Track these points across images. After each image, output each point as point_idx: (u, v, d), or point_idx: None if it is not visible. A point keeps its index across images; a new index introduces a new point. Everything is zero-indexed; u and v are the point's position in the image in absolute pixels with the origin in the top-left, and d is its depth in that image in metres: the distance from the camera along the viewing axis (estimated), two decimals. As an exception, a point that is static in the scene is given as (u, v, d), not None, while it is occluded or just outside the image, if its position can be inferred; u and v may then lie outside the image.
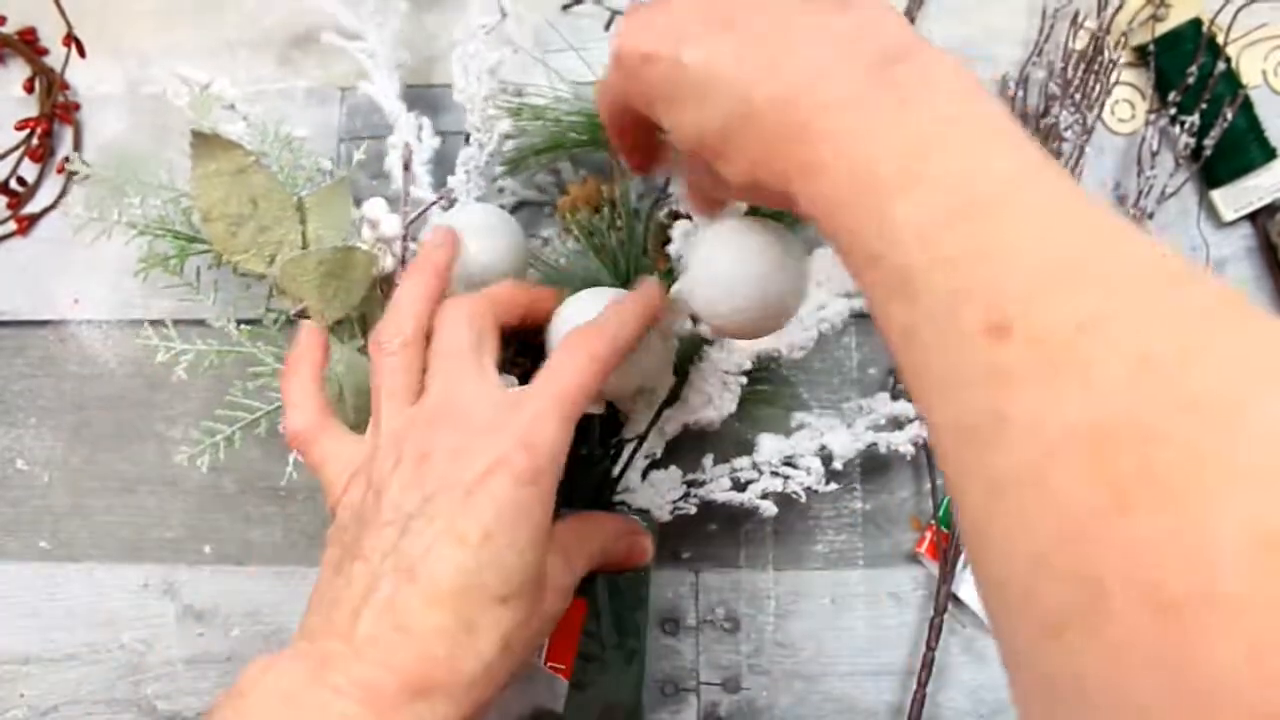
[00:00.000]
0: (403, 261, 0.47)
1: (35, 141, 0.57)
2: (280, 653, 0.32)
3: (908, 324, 0.23)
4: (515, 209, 0.55)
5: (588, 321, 0.36)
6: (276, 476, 0.54)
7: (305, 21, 0.58)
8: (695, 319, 0.42)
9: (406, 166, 0.47)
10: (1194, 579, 0.16)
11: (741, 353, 0.47)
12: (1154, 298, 0.20)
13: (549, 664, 0.43)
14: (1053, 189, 0.23)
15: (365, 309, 0.49)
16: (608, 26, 0.57)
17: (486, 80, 0.51)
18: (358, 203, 0.49)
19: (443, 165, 0.52)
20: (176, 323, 0.49)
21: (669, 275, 0.48)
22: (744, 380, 0.48)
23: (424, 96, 0.56)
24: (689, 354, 0.48)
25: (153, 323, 0.49)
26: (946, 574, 0.51)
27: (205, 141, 0.45)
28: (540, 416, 0.33)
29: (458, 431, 0.33)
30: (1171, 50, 0.54)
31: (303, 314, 0.47)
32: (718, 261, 0.36)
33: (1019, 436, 0.20)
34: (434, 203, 0.48)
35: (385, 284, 0.48)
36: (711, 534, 0.53)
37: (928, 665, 0.50)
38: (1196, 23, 0.54)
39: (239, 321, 0.49)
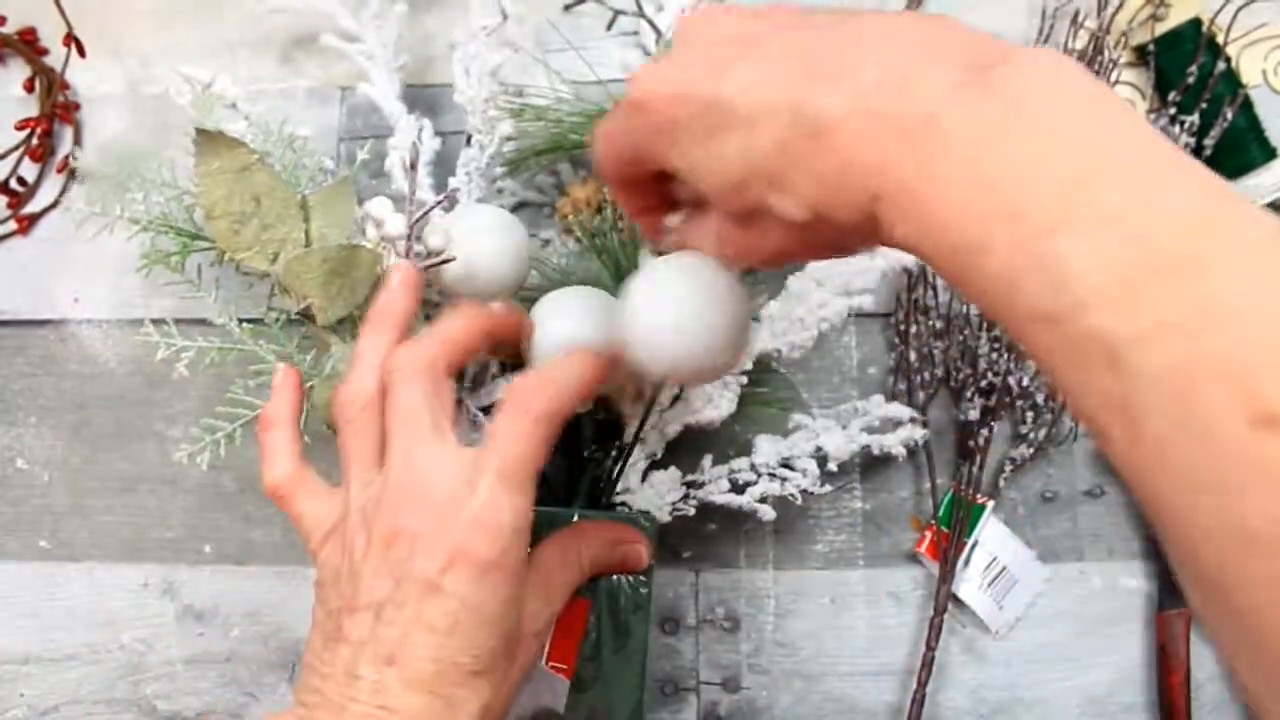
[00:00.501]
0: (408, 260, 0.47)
1: (35, 141, 0.57)
2: (282, 713, 0.33)
3: (1122, 403, 0.20)
4: (515, 210, 0.55)
5: (530, 374, 0.36)
6: (276, 476, 0.54)
7: (306, 21, 0.58)
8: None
9: (413, 166, 0.47)
10: None
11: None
12: None
13: (550, 664, 0.43)
14: (1256, 226, 0.19)
15: (365, 308, 0.49)
16: (610, 26, 0.57)
17: (488, 82, 0.51)
18: (361, 202, 0.49)
19: (443, 166, 0.52)
20: (177, 321, 0.49)
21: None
22: (744, 380, 0.48)
23: (423, 96, 0.56)
24: None
25: (154, 321, 0.49)
26: (946, 574, 0.51)
27: (209, 139, 0.45)
28: (491, 501, 0.33)
29: (418, 512, 0.33)
30: (1171, 50, 0.54)
31: (306, 312, 0.47)
32: (657, 307, 0.34)
33: None
34: (437, 203, 0.48)
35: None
36: (711, 534, 0.53)
37: (928, 665, 0.50)
38: (1196, 22, 0.54)
39: (240, 320, 0.49)
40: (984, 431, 0.52)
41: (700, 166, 0.27)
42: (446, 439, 0.35)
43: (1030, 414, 0.52)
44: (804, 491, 0.48)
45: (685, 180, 0.29)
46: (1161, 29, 0.54)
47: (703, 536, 0.53)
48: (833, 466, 0.48)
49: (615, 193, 0.34)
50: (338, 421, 0.37)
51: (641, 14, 0.55)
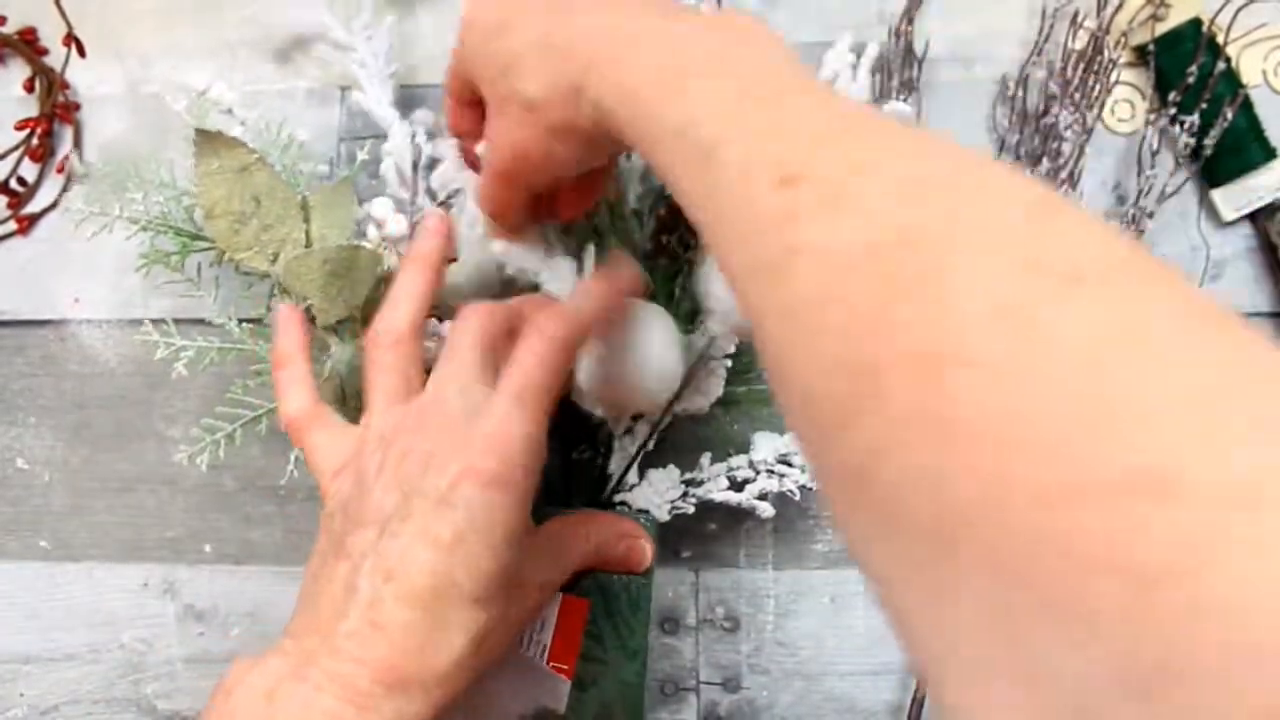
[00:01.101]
0: None
1: (35, 141, 0.57)
2: (265, 652, 0.33)
3: (707, 189, 0.27)
4: None
5: (548, 305, 0.38)
6: (276, 475, 0.54)
7: (305, 22, 0.58)
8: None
9: (415, 166, 0.47)
10: (948, 344, 0.19)
11: (726, 338, 0.47)
12: (913, 145, 0.24)
13: (551, 664, 0.43)
14: (824, 88, 0.30)
15: (369, 309, 0.49)
16: None
17: None
18: (361, 203, 0.49)
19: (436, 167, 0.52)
20: (177, 321, 0.49)
21: (671, 275, 0.48)
22: (728, 364, 0.48)
23: (423, 97, 0.56)
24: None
25: (153, 321, 0.49)
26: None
27: (209, 139, 0.45)
28: (505, 419, 0.34)
29: (437, 435, 0.34)
30: (1171, 50, 0.54)
31: (306, 312, 0.47)
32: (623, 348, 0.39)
33: (807, 264, 0.22)
34: (440, 204, 0.48)
35: (389, 284, 0.48)
36: (711, 533, 0.53)
37: (928, 665, 0.50)
38: (1196, 23, 0.54)
39: (240, 321, 0.49)
40: None
41: (478, 63, 0.36)
42: (484, 382, 0.36)
43: None
44: (802, 488, 0.48)
45: (475, 79, 0.37)
46: (1161, 29, 0.54)
47: (703, 536, 0.53)
48: None
49: (447, 108, 0.40)
50: (368, 355, 0.38)
51: None
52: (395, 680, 0.31)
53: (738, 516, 0.49)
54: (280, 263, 0.46)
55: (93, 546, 0.55)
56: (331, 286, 0.46)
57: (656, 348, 0.41)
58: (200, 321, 0.50)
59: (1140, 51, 0.55)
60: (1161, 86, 0.54)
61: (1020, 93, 0.55)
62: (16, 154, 0.57)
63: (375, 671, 0.31)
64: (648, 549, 0.43)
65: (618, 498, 0.48)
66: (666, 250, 0.48)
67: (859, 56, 0.56)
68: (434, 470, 0.33)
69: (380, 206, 0.47)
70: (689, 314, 0.48)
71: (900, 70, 0.55)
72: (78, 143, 0.58)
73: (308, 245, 0.47)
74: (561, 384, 0.36)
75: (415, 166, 0.49)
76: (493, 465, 0.33)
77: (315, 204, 0.48)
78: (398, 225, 0.47)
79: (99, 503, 0.56)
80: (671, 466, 0.48)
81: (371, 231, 0.48)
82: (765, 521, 0.51)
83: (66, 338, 0.57)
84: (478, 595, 0.33)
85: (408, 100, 0.53)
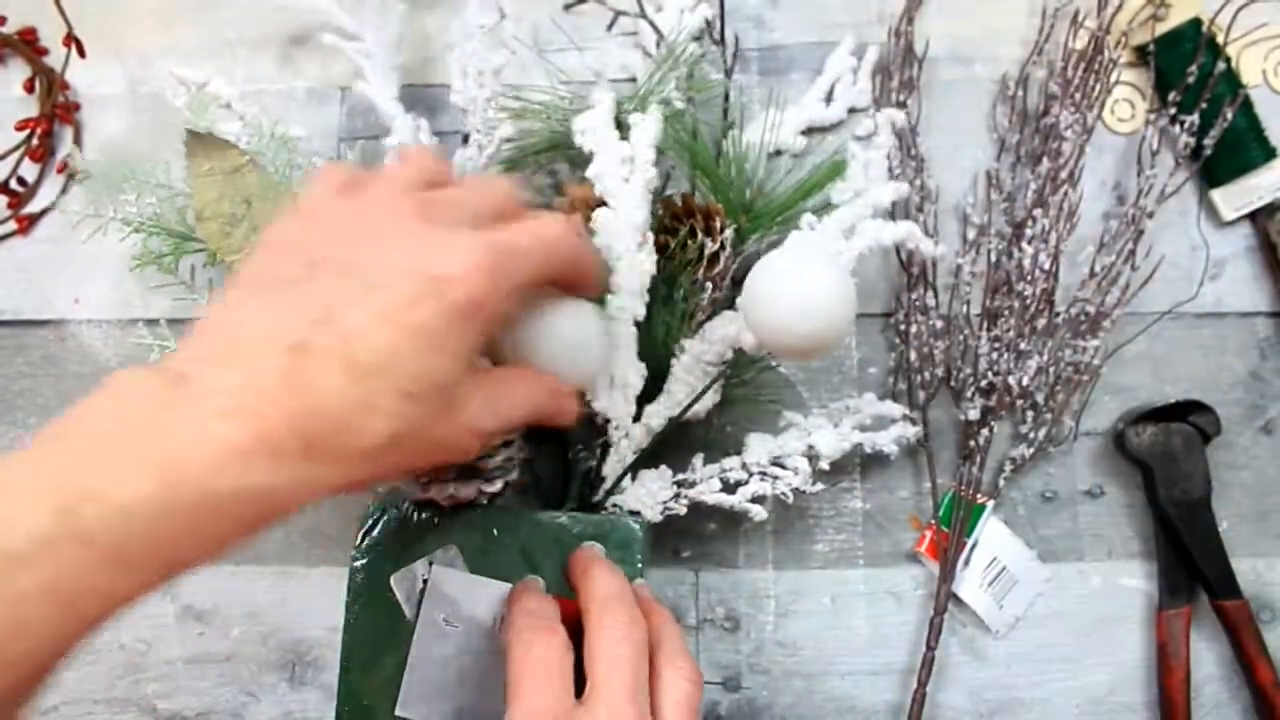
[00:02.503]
0: None
1: (35, 141, 0.57)
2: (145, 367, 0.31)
3: None
4: None
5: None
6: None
7: (305, 21, 0.58)
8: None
9: None
10: None
11: (722, 343, 0.47)
12: None
13: None
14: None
15: None
16: (610, 26, 0.57)
17: (490, 82, 0.51)
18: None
19: None
20: (176, 322, 0.49)
21: (674, 276, 0.48)
22: (726, 370, 0.48)
23: (422, 96, 0.56)
24: (669, 349, 0.48)
25: (148, 322, 0.49)
26: (946, 573, 0.51)
27: (200, 141, 0.45)
28: (510, 247, 0.34)
29: (441, 234, 0.34)
30: (1171, 50, 0.54)
31: None
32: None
33: None
34: None
35: None
36: (711, 533, 0.53)
37: (928, 665, 0.50)
38: (1196, 22, 0.54)
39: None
40: (984, 431, 0.52)
41: None
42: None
43: (1030, 414, 0.52)
44: (795, 490, 0.48)
45: None
46: (1161, 29, 0.54)
47: (702, 536, 0.53)
48: (824, 465, 0.48)
49: None
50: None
51: (642, 14, 0.55)
52: (314, 440, 0.30)
53: (738, 516, 0.49)
54: None
55: (93, 546, 0.55)
56: None
57: (569, 335, 0.41)
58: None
59: (1140, 51, 0.55)
60: (1161, 86, 0.54)
61: (1020, 92, 0.55)
62: (16, 154, 0.57)
63: (294, 422, 0.29)
64: (573, 405, 0.41)
65: (610, 499, 0.48)
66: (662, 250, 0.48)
67: (859, 60, 0.56)
68: (437, 258, 0.32)
69: None
70: (683, 314, 0.48)
71: (900, 70, 0.55)
72: (77, 143, 0.58)
73: None
74: (537, 280, 0.37)
75: None
76: (485, 284, 0.33)
77: None
78: None
79: (99, 503, 0.56)
80: (664, 467, 0.48)
81: None
82: (765, 522, 0.51)
83: (66, 338, 0.57)
84: (411, 390, 0.32)
85: (413, 100, 0.53)
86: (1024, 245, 0.52)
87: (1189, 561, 0.51)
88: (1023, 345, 0.52)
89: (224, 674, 0.54)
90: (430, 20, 0.58)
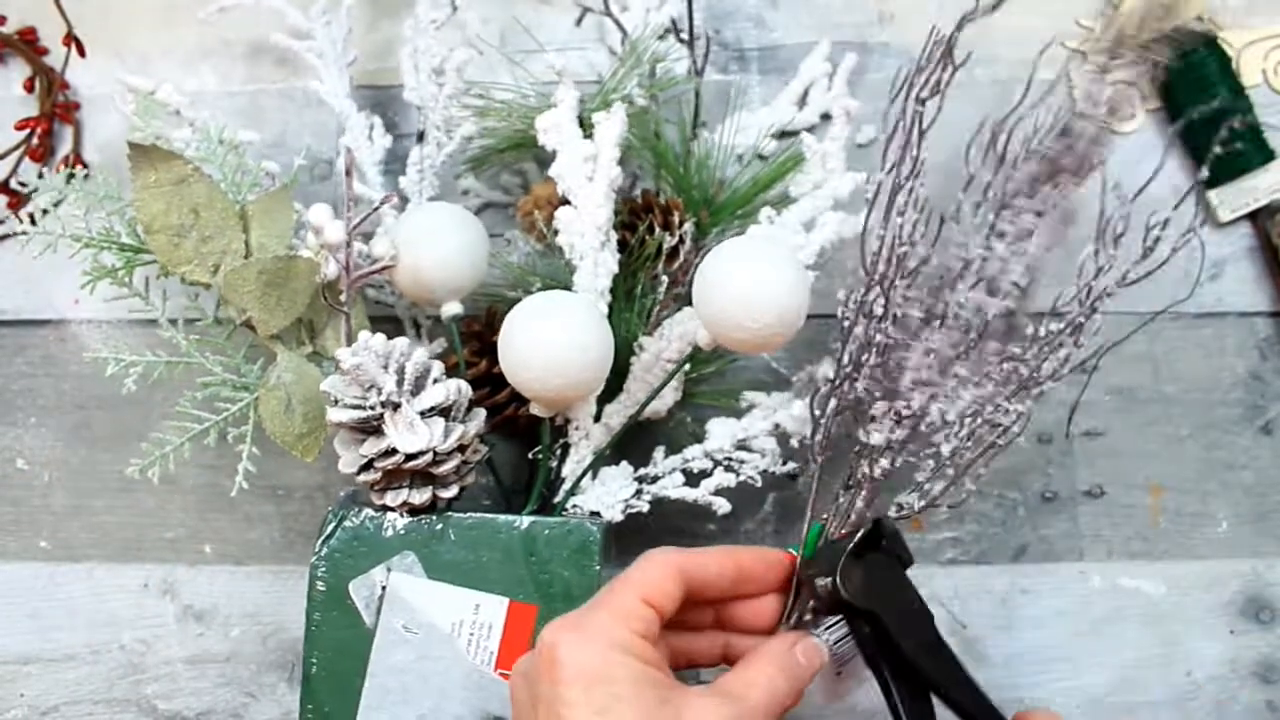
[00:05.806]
0: (347, 268, 0.46)
1: (35, 141, 0.57)
2: None
3: None
4: (480, 211, 0.55)
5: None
6: (275, 476, 0.54)
7: (305, 21, 0.58)
8: None
9: (348, 171, 0.46)
10: None
11: (681, 339, 0.47)
12: None
13: (499, 671, 0.44)
14: None
15: (312, 315, 0.48)
16: (579, 22, 0.57)
17: (451, 79, 0.51)
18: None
19: (398, 165, 0.52)
20: (174, 322, 0.49)
21: (635, 272, 0.48)
22: (686, 367, 0.47)
23: (382, 98, 0.56)
24: (629, 347, 0.48)
25: (148, 322, 0.49)
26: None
27: (144, 153, 0.44)
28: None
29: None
30: (1172, 50, 0.54)
31: (247, 323, 0.46)
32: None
33: None
34: (380, 205, 0.47)
35: (330, 291, 0.47)
36: (711, 533, 0.53)
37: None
38: (1199, 22, 0.54)
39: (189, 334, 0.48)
40: (884, 463, 0.43)
41: None
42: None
43: (931, 463, 0.43)
44: (764, 473, 0.47)
45: None
46: (1163, 29, 0.54)
47: (702, 537, 0.53)
48: (794, 443, 0.47)
49: None
50: None
51: (607, 11, 0.54)
52: None
53: (738, 516, 0.48)
54: (220, 274, 0.46)
55: (93, 547, 0.55)
56: (269, 297, 0.46)
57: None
58: (193, 321, 0.49)
59: (1141, 51, 0.55)
60: (1162, 86, 0.54)
61: (1020, 93, 0.55)
62: (16, 154, 0.57)
63: None
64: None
65: (572, 501, 0.47)
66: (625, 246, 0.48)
67: (835, 66, 0.55)
68: None
69: (317, 212, 0.45)
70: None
71: (931, 70, 0.54)
72: (77, 143, 0.58)
73: (247, 255, 0.46)
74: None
75: (347, 171, 0.46)
76: None
77: (254, 213, 0.47)
78: (335, 231, 0.45)
79: (99, 503, 0.56)
80: (624, 464, 0.48)
81: (310, 238, 0.46)
82: (766, 521, 0.51)
83: (66, 338, 0.57)
84: None
85: (374, 101, 0.53)
86: (994, 243, 0.45)
87: (957, 709, 0.42)
88: (959, 370, 0.43)
89: (224, 674, 0.54)
90: (388, 24, 0.57)
